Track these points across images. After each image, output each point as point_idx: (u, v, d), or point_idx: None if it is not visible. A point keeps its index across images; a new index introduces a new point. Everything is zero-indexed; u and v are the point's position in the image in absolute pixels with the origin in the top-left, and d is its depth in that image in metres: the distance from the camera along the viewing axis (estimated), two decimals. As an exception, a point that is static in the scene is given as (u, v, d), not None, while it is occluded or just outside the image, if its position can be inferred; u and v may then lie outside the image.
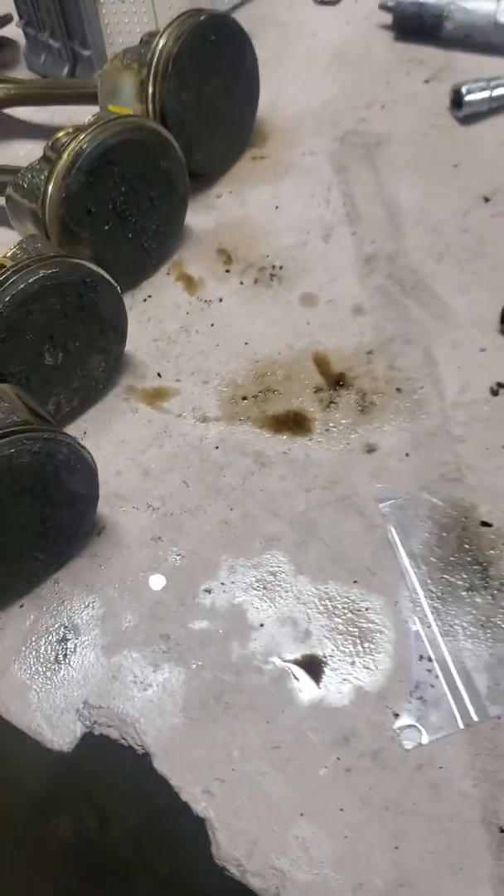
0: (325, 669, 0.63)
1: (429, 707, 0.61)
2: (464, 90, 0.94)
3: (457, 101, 0.95)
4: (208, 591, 0.67)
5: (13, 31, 1.11)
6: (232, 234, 0.90)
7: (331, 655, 0.63)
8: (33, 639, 0.66)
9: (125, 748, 0.62)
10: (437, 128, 0.96)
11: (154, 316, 0.84)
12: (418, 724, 0.60)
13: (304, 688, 0.62)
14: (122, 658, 0.65)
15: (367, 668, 0.63)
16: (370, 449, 0.73)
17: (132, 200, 0.80)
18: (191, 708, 0.62)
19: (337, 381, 0.77)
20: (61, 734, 0.62)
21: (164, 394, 0.79)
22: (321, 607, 0.66)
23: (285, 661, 0.64)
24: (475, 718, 0.60)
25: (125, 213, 0.80)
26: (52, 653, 0.66)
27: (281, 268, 0.86)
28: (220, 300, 0.85)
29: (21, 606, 0.68)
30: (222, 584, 0.67)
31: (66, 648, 0.66)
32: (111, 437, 0.77)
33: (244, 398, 0.78)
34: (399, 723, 0.60)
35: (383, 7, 1.06)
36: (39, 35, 1.04)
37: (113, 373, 0.79)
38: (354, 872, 0.55)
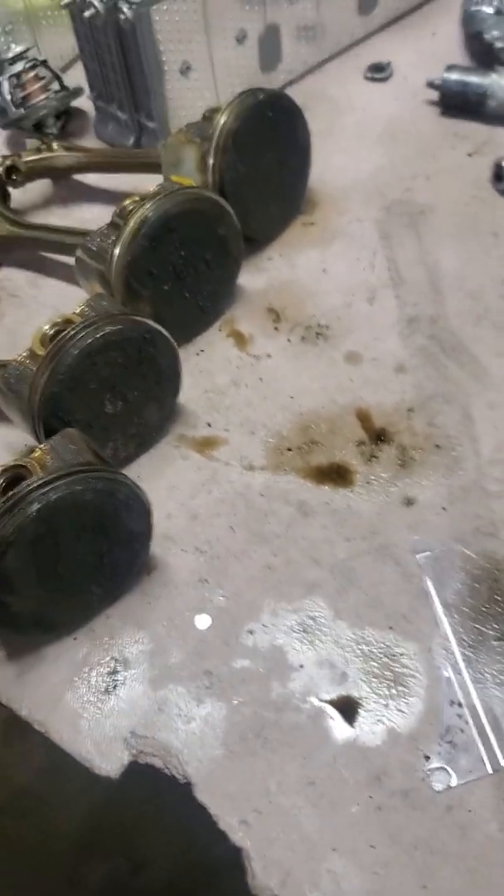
0: (360, 710, 0.66)
1: (458, 751, 0.64)
2: (505, 164, 0.99)
3: (498, 174, 1.00)
4: (251, 631, 0.71)
5: (84, 103, 1.19)
6: (281, 295, 0.95)
7: (366, 697, 0.67)
8: (86, 670, 0.70)
9: (168, 777, 0.65)
10: (478, 199, 1.01)
11: (206, 369, 0.89)
12: (448, 767, 0.63)
13: (340, 727, 0.66)
14: (167, 692, 0.69)
15: (401, 710, 0.66)
16: (409, 502, 0.77)
17: (190, 263, 0.85)
18: (231, 741, 0.66)
19: (378, 436, 0.81)
20: (109, 761, 0.66)
21: (213, 443, 0.84)
22: (358, 651, 0.69)
23: (322, 700, 0.67)
24: (503, 764, 0.63)
25: (183, 274, 0.85)
26: (103, 684, 0.70)
27: (327, 327, 0.91)
28: (269, 356, 0.89)
29: (75, 639, 0.72)
30: (264, 625, 0.71)
31: (116, 680, 0.70)
32: (163, 482, 0.81)
33: (289, 449, 0.82)
34: (429, 765, 0.63)
35: (430, 85, 1.12)
36: (108, 107, 1.12)
37: (166, 421, 0.84)
38: (383, 905, 0.58)
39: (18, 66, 1.14)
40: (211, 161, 0.89)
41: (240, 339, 0.91)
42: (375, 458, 0.80)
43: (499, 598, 0.70)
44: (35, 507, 0.62)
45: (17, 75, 1.14)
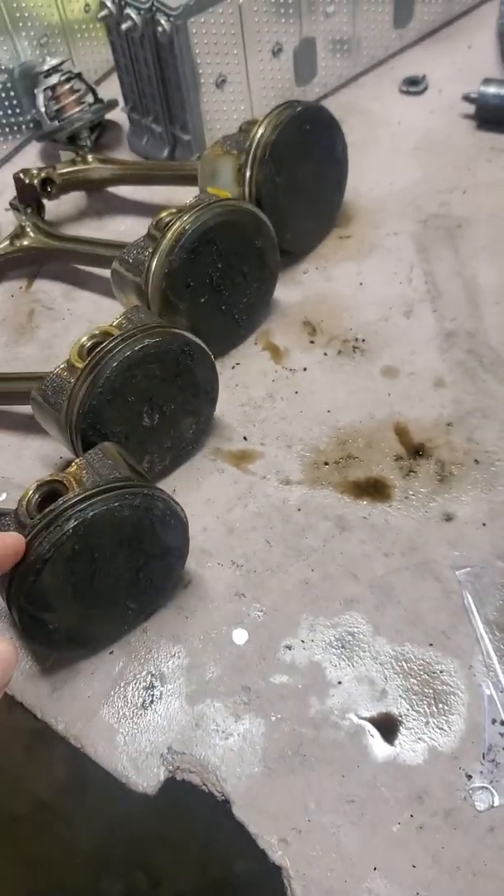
0: (400, 728, 0.65)
1: (501, 770, 0.63)
2: (543, 177, 0.98)
3: (536, 187, 1.00)
4: (289, 647, 0.70)
5: (117, 116, 1.20)
6: (317, 308, 0.95)
7: (406, 715, 0.66)
8: (122, 684, 0.70)
9: (205, 794, 0.65)
10: (516, 212, 1.01)
11: (241, 382, 0.89)
12: (490, 787, 0.62)
13: (379, 745, 0.65)
14: (205, 707, 0.68)
15: (441, 728, 0.65)
16: (448, 517, 0.76)
17: (227, 276, 0.85)
18: (270, 758, 0.65)
19: (416, 451, 0.81)
20: (146, 777, 0.65)
21: (249, 456, 0.83)
22: (397, 668, 0.68)
23: (361, 718, 0.66)
24: (547, 784, 0.62)
25: (220, 287, 0.85)
26: (139, 699, 0.69)
27: (364, 341, 0.90)
28: (305, 369, 0.89)
29: (111, 653, 0.72)
30: (302, 641, 0.70)
31: (153, 695, 0.69)
32: (198, 495, 0.81)
33: (326, 463, 0.81)
34: (471, 784, 0.62)
35: (466, 98, 1.12)
36: (143, 120, 1.12)
37: (202, 435, 0.83)
38: (426, 928, 0.57)
39: (53, 79, 1.15)
40: (248, 173, 0.89)
41: (275, 353, 0.91)
42: (414, 473, 0.79)
43: (541, 617, 0.69)
44: (72, 523, 0.62)
45: (52, 88, 1.15)
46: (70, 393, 0.73)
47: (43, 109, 1.14)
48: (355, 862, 0.60)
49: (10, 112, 1.19)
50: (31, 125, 1.22)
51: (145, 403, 0.75)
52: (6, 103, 1.17)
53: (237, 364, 0.91)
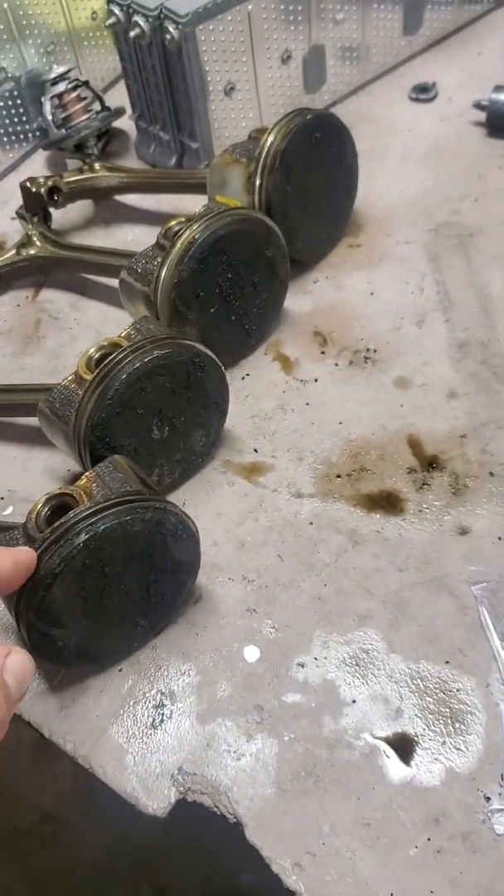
0: (416, 748, 0.64)
1: (521, 793, 0.61)
2: None
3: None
4: (301, 664, 0.69)
5: (125, 123, 1.19)
6: (327, 318, 0.93)
7: (422, 735, 0.64)
8: (131, 703, 0.69)
9: (217, 816, 0.63)
10: (528, 221, 0.99)
11: (251, 394, 0.88)
12: (510, 810, 0.61)
13: (395, 766, 0.63)
14: (216, 726, 0.66)
15: (459, 749, 0.63)
16: (463, 531, 0.74)
17: (237, 285, 0.84)
18: (283, 780, 0.63)
19: (430, 463, 0.79)
20: (156, 799, 0.64)
21: (259, 469, 0.82)
22: (413, 686, 0.67)
23: (377, 737, 0.65)
24: None
25: (230, 296, 0.84)
26: (149, 718, 0.68)
27: (375, 351, 0.89)
28: (316, 380, 0.88)
29: (120, 670, 0.70)
30: (315, 658, 0.69)
31: (163, 714, 0.68)
32: (209, 508, 0.80)
33: (338, 476, 0.80)
34: (490, 806, 0.61)
35: (477, 105, 1.10)
36: (150, 127, 1.11)
37: (212, 447, 0.82)
38: None
39: (60, 87, 1.14)
40: (258, 181, 0.88)
41: (286, 363, 0.90)
42: (427, 486, 0.78)
43: None
44: (83, 537, 0.61)
45: (59, 96, 1.14)
46: (78, 405, 0.72)
47: (50, 118, 1.13)
48: (371, 887, 0.59)
49: (16, 120, 1.18)
50: (38, 133, 1.21)
51: (155, 416, 0.74)
52: (13, 111, 1.17)
53: (247, 375, 0.89)
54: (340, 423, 0.84)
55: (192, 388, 0.75)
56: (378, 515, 0.77)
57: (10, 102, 1.15)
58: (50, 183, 1.03)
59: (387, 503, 0.77)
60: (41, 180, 1.03)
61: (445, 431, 0.81)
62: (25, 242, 1.03)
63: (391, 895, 0.58)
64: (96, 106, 1.15)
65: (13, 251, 1.02)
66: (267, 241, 0.84)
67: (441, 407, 0.83)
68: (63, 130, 1.13)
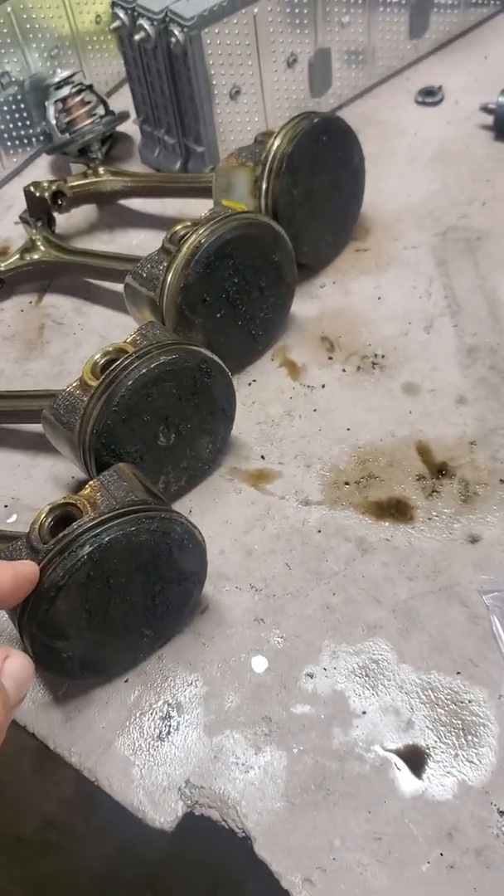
0: (428, 761, 0.63)
1: (535, 807, 0.60)
2: None
3: None
4: (310, 675, 0.68)
5: (129, 128, 1.18)
6: (335, 323, 0.92)
7: (433, 747, 0.63)
8: (137, 714, 0.67)
9: (225, 831, 0.62)
10: (536, 224, 0.98)
11: (258, 400, 0.87)
12: (524, 824, 0.60)
13: (407, 779, 0.62)
14: (224, 738, 0.65)
15: (471, 761, 0.62)
16: (473, 539, 0.73)
17: (243, 290, 0.83)
18: (292, 793, 0.62)
19: (439, 470, 0.78)
20: (163, 812, 0.63)
21: (267, 476, 0.81)
22: (424, 697, 0.65)
23: (387, 750, 0.63)
24: None
25: (236, 301, 0.83)
26: (156, 729, 0.67)
27: (383, 356, 0.88)
28: (323, 386, 0.87)
29: (126, 681, 0.69)
30: (324, 668, 0.68)
31: (170, 726, 0.67)
32: (215, 516, 0.78)
33: (346, 483, 0.79)
34: (504, 821, 0.60)
35: (484, 108, 1.10)
36: (155, 131, 1.10)
37: (219, 454, 0.81)
38: None
39: (64, 91, 1.13)
40: (264, 185, 0.87)
41: (293, 369, 0.89)
42: (437, 493, 0.77)
43: None
44: (87, 549, 0.59)
45: (63, 100, 1.13)
46: (83, 412, 0.71)
47: (53, 122, 1.13)
48: (383, 904, 0.57)
49: (20, 124, 1.17)
50: (42, 138, 1.20)
51: (161, 422, 0.73)
52: (16, 116, 1.16)
53: (253, 381, 0.88)
54: (348, 429, 0.83)
55: (198, 394, 0.74)
56: (387, 523, 0.76)
57: (13, 107, 1.15)
58: (54, 187, 1.02)
59: (396, 511, 0.76)
60: (45, 185, 1.02)
61: (455, 438, 0.80)
62: (29, 247, 1.02)
63: (403, 912, 0.57)
64: (100, 110, 1.15)
65: (17, 256, 1.02)
66: (274, 246, 0.83)
67: (450, 413, 0.82)
68: (67, 135, 1.13)
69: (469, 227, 0.99)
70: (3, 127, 1.16)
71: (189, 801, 0.63)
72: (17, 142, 1.19)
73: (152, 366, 0.70)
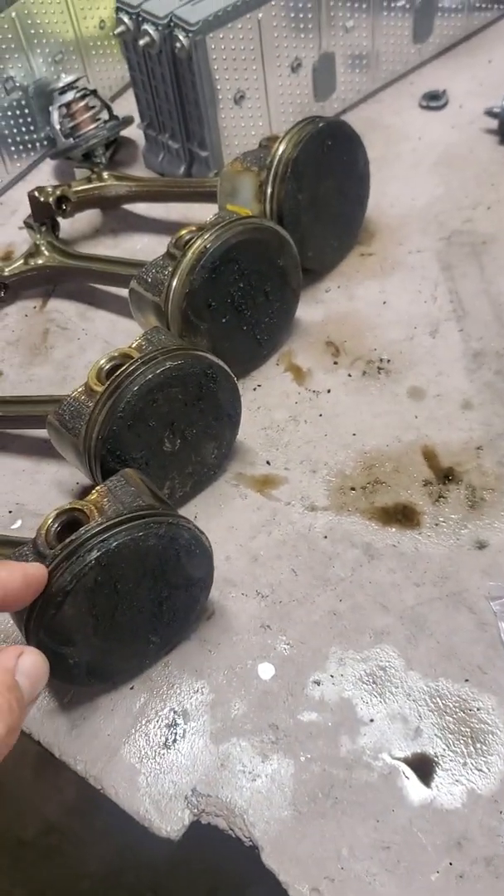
0: (437, 769, 0.62)
1: (544, 815, 0.59)
2: None
3: None
4: (317, 682, 0.67)
5: (133, 132, 1.18)
6: (340, 328, 0.92)
7: (442, 755, 0.63)
8: (143, 721, 0.67)
9: (232, 839, 0.62)
10: (542, 229, 0.98)
11: (263, 405, 0.86)
12: (533, 833, 0.59)
13: (415, 787, 0.62)
14: (230, 746, 0.65)
15: (480, 770, 0.62)
16: (481, 545, 0.73)
17: (249, 295, 0.83)
18: (299, 801, 0.62)
19: (446, 476, 0.78)
20: (169, 821, 0.62)
21: (272, 481, 0.80)
22: (432, 705, 0.65)
23: (395, 758, 0.63)
24: None
25: (242, 306, 0.83)
26: (162, 737, 0.66)
27: (388, 361, 0.88)
28: (328, 391, 0.86)
29: (132, 688, 0.69)
30: (331, 676, 0.67)
31: (176, 733, 0.66)
32: (221, 521, 0.78)
33: (352, 489, 0.79)
34: (513, 830, 0.59)
35: (489, 113, 1.09)
36: (159, 136, 1.10)
37: (224, 459, 0.81)
38: None
39: (68, 96, 1.13)
40: (269, 190, 0.87)
41: (298, 374, 0.88)
42: (443, 499, 0.76)
43: None
44: (95, 554, 0.59)
45: (67, 105, 1.13)
46: (89, 417, 0.71)
47: (58, 127, 1.13)
48: (392, 913, 0.57)
49: (24, 129, 1.17)
50: (46, 143, 1.20)
51: (167, 428, 0.73)
52: (21, 121, 1.16)
53: (259, 386, 0.88)
54: (354, 434, 0.82)
55: (204, 399, 0.74)
56: (394, 529, 0.75)
57: (17, 112, 1.15)
58: (58, 192, 1.02)
59: (402, 516, 0.76)
60: (49, 190, 1.02)
61: (461, 443, 0.80)
62: (33, 252, 1.02)
63: (412, 922, 0.57)
64: (104, 115, 1.14)
65: (21, 261, 1.01)
66: (279, 251, 0.83)
67: (456, 418, 0.82)
68: (71, 140, 1.13)
69: (474, 231, 0.99)
70: (7, 132, 1.15)
71: (195, 810, 0.63)
72: (21, 147, 1.18)
73: (158, 371, 0.69)
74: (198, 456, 0.77)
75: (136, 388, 0.69)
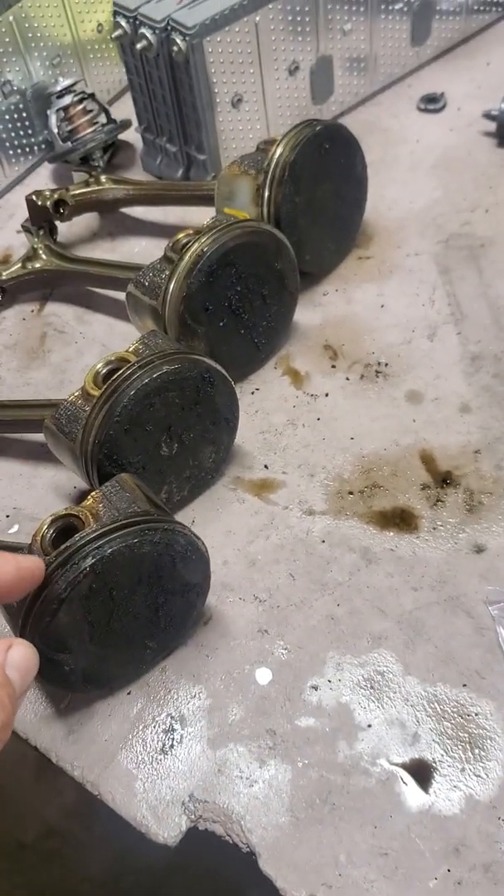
0: (435, 775, 0.62)
1: (543, 821, 0.59)
2: None
3: None
4: (315, 687, 0.67)
5: (130, 135, 1.18)
6: (338, 331, 0.92)
7: (440, 761, 0.62)
8: (140, 727, 0.67)
9: (229, 845, 0.61)
10: (541, 231, 0.98)
11: (262, 409, 0.86)
12: (532, 839, 0.59)
13: (413, 793, 0.61)
14: (227, 752, 0.65)
15: (478, 775, 0.61)
16: (479, 549, 0.73)
17: (246, 298, 0.83)
18: (297, 807, 0.62)
19: (444, 479, 0.78)
20: (167, 827, 0.62)
21: (270, 485, 0.80)
22: (430, 710, 0.65)
23: (393, 764, 0.63)
24: None
25: (239, 310, 0.83)
26: (159, 742, 0.66)
27: (386, 365, 0.88)
28: (326, 395, 0.86)
29: (129, 694, 0.69)
30: (329, 681, 0.67)
31: (173, 739, 0.66)
32: (218, 526, 0.78)
33: (350, 493, 0.78)
34: (512, 836, 0.59)
35: (487, 115, 1.09)
36: (157, 140, 1.10)
37: (222, 463, 0.81)
38: None
39: (66, 100, 1.13)
40: (267, 193, 0.87)
41: (296, 377, 0.88)
42: (441, 503, 0.76)
43: None
44: (89, 561, 0.59)
45: (65, 108, 1.13)
46: (85, 422, 0.70)
47: (55, 130, 1.12)
48: (390, 920, 0.57)
49: (22, 133, 1.17)
50: (44, 146, 1.20)
51: (164, 432, 0.72)
52: (18, 124, 1.16)
53: (256, 389, 0.88)
54: (352, 438, 0.82)
55: (201, 403, 0.74)
56: (391, 533, 0.75)
57: (15, 115, 1.14)
58: (56, 196, 1.02)
59: (400, 520, 0.76)
60: (47, 193, 1.02)
61: (459, 446, 0.80)
62: (31, 256, 1.02)
63: (410, 928, 0.56)
64: (102, 118, 1.14)
65: (19, 264, 1.01)
66: (277, 254, 0.83)
67: (454, 421, 0.82)
68: (69, 143, 1.12)
69: (472, 234, 0.98)
70: (5, 136, 1.15)
71: (193, 816, 0.62)
72: (18, 150, 1.18)
73: (155, 375, 0.69)
74: (195, 460, 0.77)
75: (132, 393, 0.69)
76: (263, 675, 0.68)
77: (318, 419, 0.84)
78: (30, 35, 1.11)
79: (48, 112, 1.13)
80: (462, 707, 0.65)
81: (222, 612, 0.72)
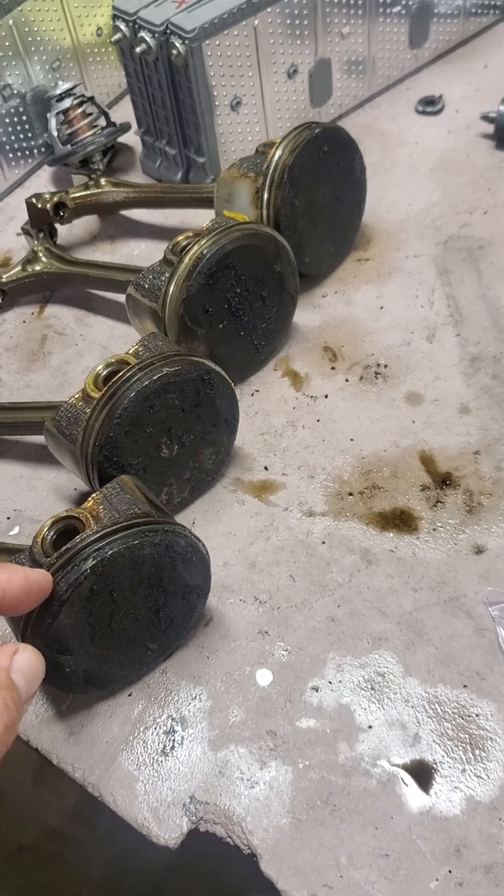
0: (435, 776, 0.62)
1: (543, 821, 0.59)
2: None
3: None
4: (315, 688, 0.67)
5: (130, 138, 1.18)
6: (337, 333, 0.92)
7: (441, 762, 0.62)
8: (141, 728, 0.67)
9: (231, 847, 0.61)
10: (539, 233, 0.98)
11: (261, 410, 0.86)
12: (533, 839, 0.59)
13: (414, 794, 0.61)
14: (228, 753, 0.65)
15: (479, 776, 0.61)
16: (479, 550, 0.73)
17: (246, 300, 0.83)
18: (298, 809, 0.62)
19: (443, 481, 0.78)
20: (168, 829, 0.62)
21: (270, 487, 0.80)
22: (430, 711, 0.65)
23: (394, 765, 0.63)
24: None
25: (239, 312, 0.83)
26: (160, 744, 0.66)
27: (386, 366, 0.88)
28: (326, 396, 0.86)
29: (129, 695, 0.69)
30: (329, 682, 0.67)
31: (174, 740, 0.66)
32: (219, 527, 0.78)
33: (350, 494, 0.78)
34: (513, 837, 0.59)
35: (485, 117, 1.09)
36: (156, 142, 1.10)
37: (222, 465, 0.81)
38: None
39: (66, 103, 1.13)
40: (266, 196, 0.87)
41: (295, 379, 0.88)
42: (441, 504, 0.76)
43: None
44: (90, 563, 0.59)
45: (65, 112, 1.13)
46: (86, 424, 0.71)
47: (55, 133, 1.13)
48: (391, 921, 0.57)
49: (22, 136, 1.17)
50: (44, 149, 1.20)
51: (164, 434, 0.73)
52: (18, 128, 1.16)
53: (256, 391, 0.88)
54: (352, 439, 0.82)
55: (201, 405, 0.74)
56: (391, 534, 0.75)
57: (15, 119, 1.15)
58: (55, 199, 1.02)
59: (400, 521, 0.76)
60: (47, 196, 1.02)
61: (458, 448, 0.80)
62: (31, 258, 1.02)
63: (411, 929, 0.56)
64: (102, 121, 1.15)
65: (19, 267, 1.01)
66: (276, 256, 0.83)
67: (453, 423, 0.82)
68: (69, 146, 1.13)
69: (471, 236, 0.99)
70: (5, 139, 1.16)
71: (194, 818, 0.62)
72: (18, 153, 1.19)
73: (155, 377, 0.69)
74: (196, 462, 0.77)
75: (133, 395, 0.69)
76: (264, 677, 0.68)
77: (318, 421, 0.84)
78: (30, 39, 1.11)
79: (48, 115, 1.13)
80: (462, 708, 0.65)
81: (223, 614, 0.72)
